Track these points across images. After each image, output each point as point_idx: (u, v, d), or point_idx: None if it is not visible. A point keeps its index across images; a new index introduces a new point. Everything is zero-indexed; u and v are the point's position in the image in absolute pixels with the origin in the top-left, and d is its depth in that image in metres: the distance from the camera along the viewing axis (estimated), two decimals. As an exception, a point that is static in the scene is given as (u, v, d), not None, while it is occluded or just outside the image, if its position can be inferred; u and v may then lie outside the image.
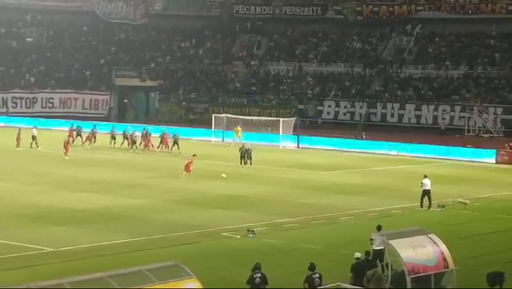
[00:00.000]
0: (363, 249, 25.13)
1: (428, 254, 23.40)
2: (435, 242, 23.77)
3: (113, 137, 65.50)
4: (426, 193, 39.86)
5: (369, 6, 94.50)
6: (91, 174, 49.46)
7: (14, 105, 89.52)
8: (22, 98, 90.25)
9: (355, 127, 79.72)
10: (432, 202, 40.00)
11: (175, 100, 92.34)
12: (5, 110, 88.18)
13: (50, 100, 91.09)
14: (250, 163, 54.98)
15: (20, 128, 64.77)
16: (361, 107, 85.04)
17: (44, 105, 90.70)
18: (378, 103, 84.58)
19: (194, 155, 50.17)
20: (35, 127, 66.33)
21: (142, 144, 63.21)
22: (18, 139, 61.89)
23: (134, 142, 63.61)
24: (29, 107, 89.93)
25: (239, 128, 67.90)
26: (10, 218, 34.96)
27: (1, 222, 34.03)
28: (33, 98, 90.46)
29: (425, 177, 40.43)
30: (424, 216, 38.20)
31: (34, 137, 62.79)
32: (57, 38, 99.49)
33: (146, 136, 63.98)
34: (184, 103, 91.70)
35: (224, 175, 48.77)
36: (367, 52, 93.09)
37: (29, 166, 52.67)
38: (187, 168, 48.79)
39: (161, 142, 63.48)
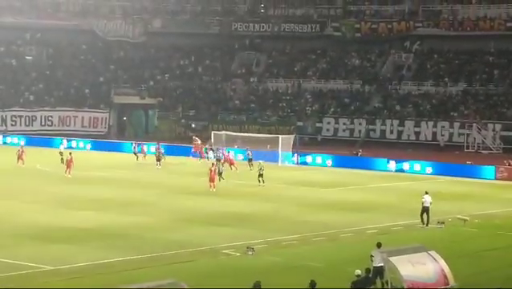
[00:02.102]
0: (363, 266, 25.06)
1: (428, 271, 23.34)
2: (435, 259, 23.73)
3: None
4: (425, 209, 39.76)
5: (367, 22, 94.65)
6: (89, 192, 49.39)
7: (14, 123, 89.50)
8: (21, 116, 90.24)
9: (355, 143, 79.69)
10: (432, 219, 39.92)
11: (174, 118, 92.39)
12: (3, 128, 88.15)
13: (50, 118, 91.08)
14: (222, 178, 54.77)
15: (22, 146, 64.78)
16: (360, 124, 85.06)
17: (43, 123, 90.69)
18: (377, 120, 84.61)
19: (213, 164, 50.47)
20: (62, 144, 67.13)
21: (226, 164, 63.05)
22: (19, 157, 61.80)
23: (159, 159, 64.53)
24: (28, 125, 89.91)
25: (205, 146, 68.93)
26: (9, 237, 34.87)
27: (0, 241, 33.95)
28: (32, 116, 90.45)
29: (426, 193, 40.31)
30: (423, 233, 38.11)
31: (61, 153, 62.92)
32: (56, 56, 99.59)
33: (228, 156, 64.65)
34: (183, 120, 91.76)
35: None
36: (366, 69, 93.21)
37: (28, 184, 52.59)
38: (212, 179, 49.52)
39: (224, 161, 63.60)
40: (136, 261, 30.71)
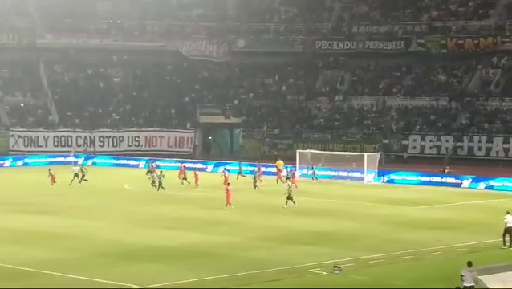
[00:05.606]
0: (450, 285, 24.64)
1: (520, 290, 22.81)
2: (527, 278, 23.17)
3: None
4: (509, 230, 38.58)
5: (453, 38, 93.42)
6: (174, 211, 49.79)
7: (102, 144, 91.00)
8: (108, 137, 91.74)
9: (442, 161, 78.66)
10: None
11: (259, 137, 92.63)
12: (92, 149, 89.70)
13: (136, 139, 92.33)
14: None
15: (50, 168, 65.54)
16: (447, 141, 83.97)
17: (130, 144, 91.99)
18: (464, 137, 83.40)
19: (228, 183, 51.10)
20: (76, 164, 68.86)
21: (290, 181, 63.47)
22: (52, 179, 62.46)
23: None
24: (115, 146, 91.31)
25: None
26: (96, 256, 35.34)
27: (88, 260, 34.44)
28: (119, 137, 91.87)
29: (508, 213, 39.15)
30: (514, 251, 37.30)
31: (76, 175, 63.87)
32: (142, 77, 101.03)
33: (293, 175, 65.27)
34: (267, 139, 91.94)
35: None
36: (453, 85, 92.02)
37: (114, 204, 53.32)
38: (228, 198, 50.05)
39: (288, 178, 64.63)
40: (225, 280, 30.73)
